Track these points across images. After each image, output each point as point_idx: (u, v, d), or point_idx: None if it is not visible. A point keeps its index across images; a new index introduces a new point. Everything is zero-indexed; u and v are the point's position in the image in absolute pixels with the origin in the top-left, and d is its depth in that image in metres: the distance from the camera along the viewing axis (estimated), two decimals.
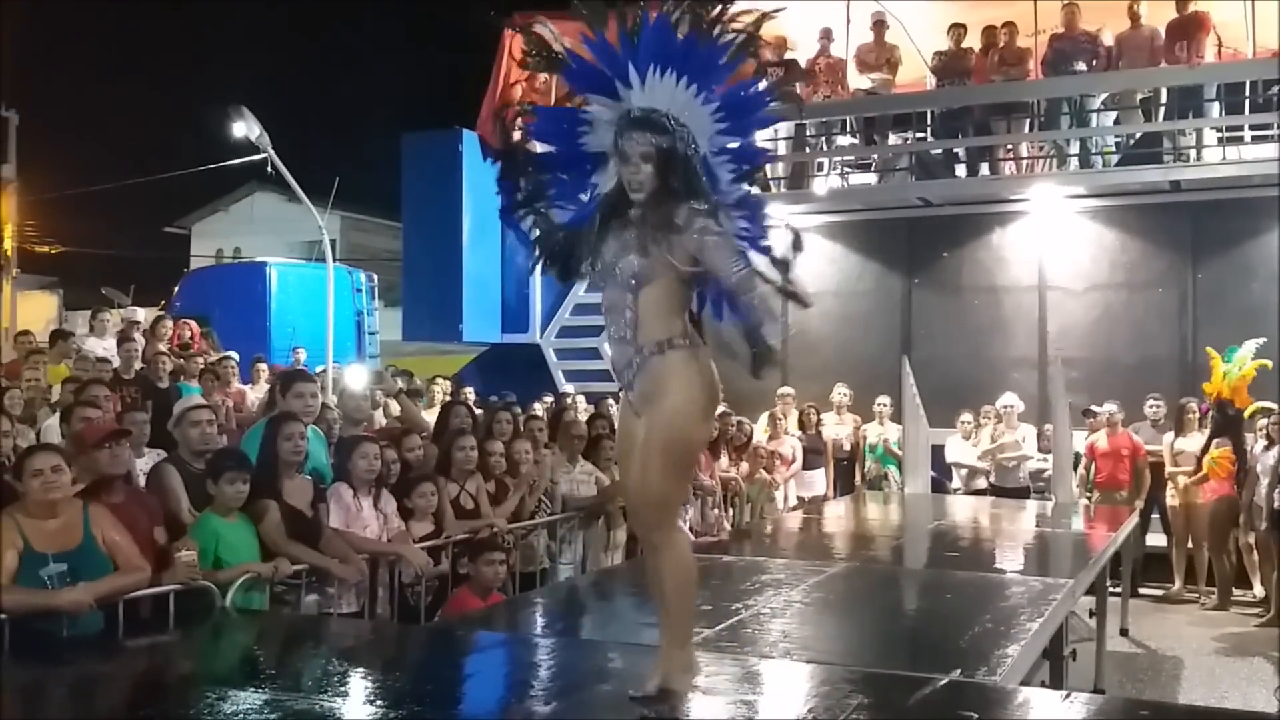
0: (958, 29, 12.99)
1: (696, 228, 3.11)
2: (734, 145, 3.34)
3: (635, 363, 3.24)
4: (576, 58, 3.30)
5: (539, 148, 3.48)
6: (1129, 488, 10.24)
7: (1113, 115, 12.72)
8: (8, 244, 23.99)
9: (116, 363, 9.24)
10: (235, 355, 11.15)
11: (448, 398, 10.69)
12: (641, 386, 3.24)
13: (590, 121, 3.33)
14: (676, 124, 3.20)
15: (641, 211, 3.21)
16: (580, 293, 13.18)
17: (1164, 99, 12.41)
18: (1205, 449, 10.04)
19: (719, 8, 3.22)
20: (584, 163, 3.39)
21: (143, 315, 12.53)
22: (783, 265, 3.20)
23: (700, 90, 3.23)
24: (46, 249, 26.66)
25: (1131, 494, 10.18)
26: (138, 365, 9.53)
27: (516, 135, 3.46)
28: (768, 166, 11.55)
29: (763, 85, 3.37)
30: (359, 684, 3.97)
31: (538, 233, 3.45)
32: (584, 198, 3.42)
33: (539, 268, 3.52)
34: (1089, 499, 10.18)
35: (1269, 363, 10.21)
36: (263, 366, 11.43)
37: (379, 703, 3.63)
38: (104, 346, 10.09)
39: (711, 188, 3.28)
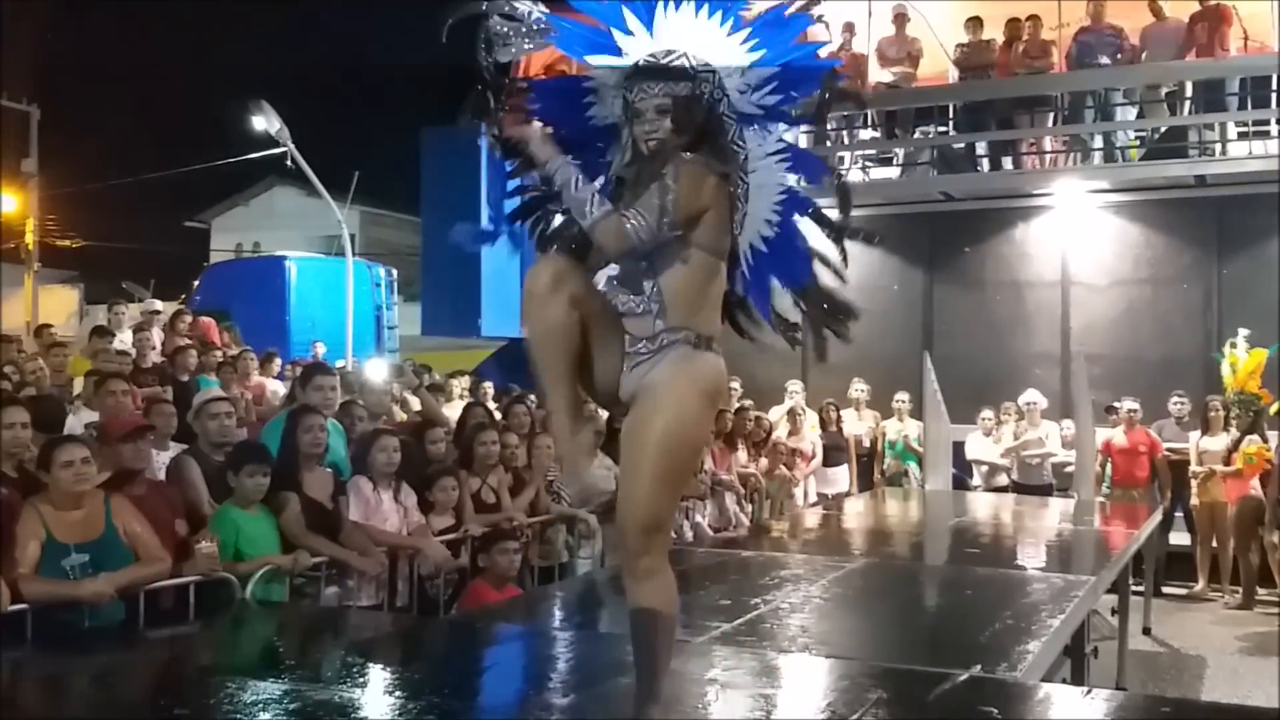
0: (974, 22, 12.95)
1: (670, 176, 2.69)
2: (771, 74, 2.80)
3: (663, 340, 2.79)
4: (561, 19, 2.85)
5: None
6: (1146, 485, 10.19)
7: (1136, 109, 12.64)
8: (29, 238, 24.16)
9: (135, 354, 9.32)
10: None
11: (466, 392, 10.74)
12: (644, 376, 2.80)
13: (595, 89, 2.87)
14: (698, 65, 2.75)
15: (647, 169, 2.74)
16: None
17: (1189, 93, 12.34)
18: (1235, 446, 10.00)
19: None
20: (595, 140, 2.93)
21: (160, 306, 12.61)
22: (835, 225, 2.92)
23: (726, 17, 2.75)
24: (68, 243, 26.80)
25: (1147, 491, 10.13)
26: (155, 357, 9.59)
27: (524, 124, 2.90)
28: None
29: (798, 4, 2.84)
30: (378, 675, 3.99)
31: (550, 229, 3.07)
32: (599, 181, 2.92)
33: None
34: (1105, 496, 10.14)
35: (1264, 351, 10.38)
36: (276, 362, 11.49)
37: (398, 694, 3.65)
38: (120, 339, 10.16)
39: (746, 135, 2.84)
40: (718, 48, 2.77)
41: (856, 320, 3.04)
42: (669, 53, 2.76)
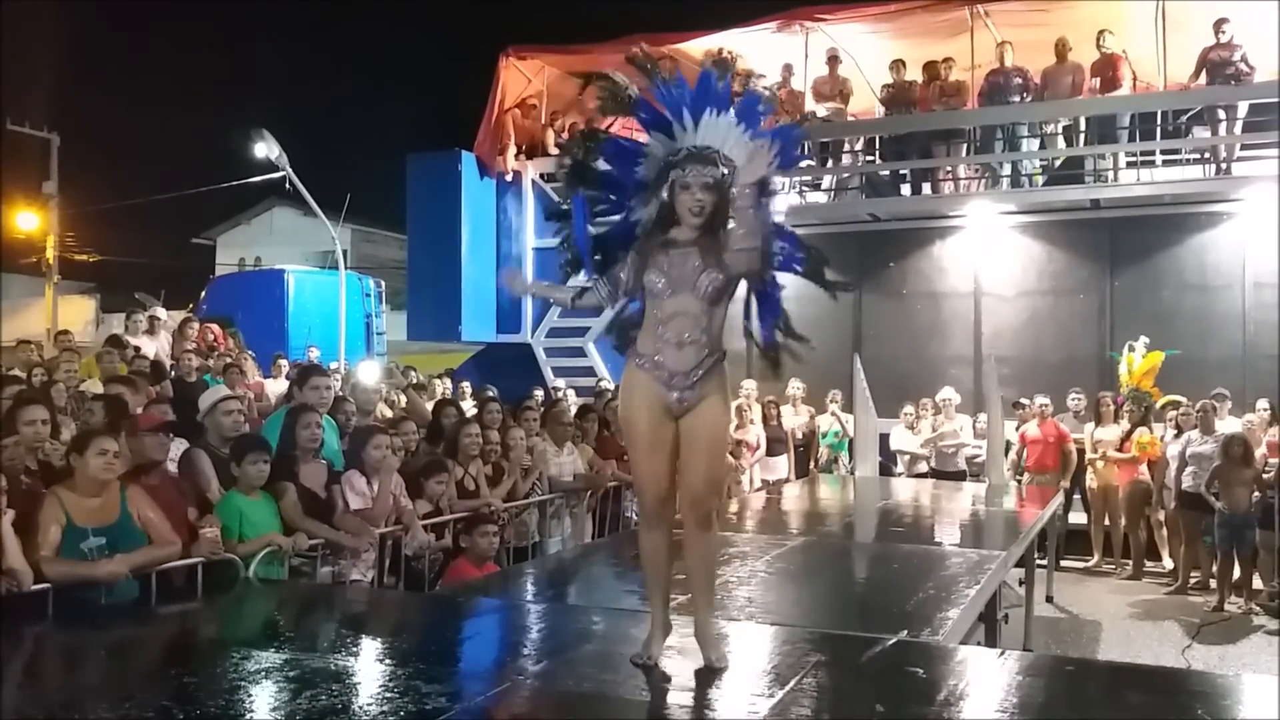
0: (898, 64, 13.10)
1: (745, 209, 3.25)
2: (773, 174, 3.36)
3: (706, 365, 3.28)
4: (644, 102, 3.35)
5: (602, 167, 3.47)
6: (1055, 471, 10.32)
7: (1039, 141, 12.80)
8: (50, 253, 23.81)
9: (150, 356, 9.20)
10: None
11: (447, 392, 10.67)
12: (702, 389, 3.28)
13: (647, 155, 3.38)
14: (725, 159, 3.28)
15: (714, 236, 3.29)
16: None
17: (1085, 127, 12.51)
18: (1127, 436, 10.14)
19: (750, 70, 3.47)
20: (628, 188, 3.42)
21: (165, 314, 12.46)
22: (815, 274, 3.61)
23: (748, 129, 3.29)
24: (85, 257, 26.46)
25: (1057, 476, 10.25)
26: (163, 359, 9.47)
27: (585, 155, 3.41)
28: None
29: (799, 126, 3.52)
30: (369, 645, 3.96)
31: (575, 228, 3.43)
32: (618, 217, 3.47)
33: (585, 264, 3.46)
34: (1019, 481, 10.25)
35: (1161, 354, 10.52)
36: (283, 362, 11.38)
37: (388, 662, 3.63)
38: (136, 345, 10.02)
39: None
40: (740, 148, 3.29)
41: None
42: (709, 147, 3.28)
